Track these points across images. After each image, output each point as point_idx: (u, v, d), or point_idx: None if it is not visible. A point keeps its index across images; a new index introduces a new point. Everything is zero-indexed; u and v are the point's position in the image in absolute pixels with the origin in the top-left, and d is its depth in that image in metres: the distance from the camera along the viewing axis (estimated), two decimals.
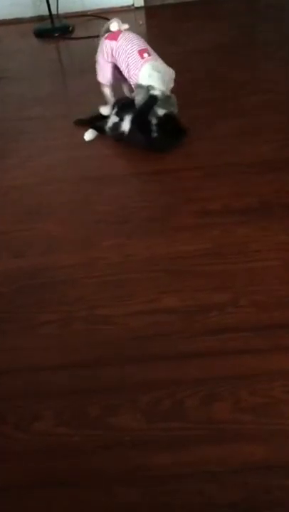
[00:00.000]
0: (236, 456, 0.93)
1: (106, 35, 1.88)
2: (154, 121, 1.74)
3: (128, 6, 3.27)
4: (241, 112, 1.99)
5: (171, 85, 1.82)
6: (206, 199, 1.55)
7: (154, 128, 1.74)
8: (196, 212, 1.51)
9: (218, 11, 3.11)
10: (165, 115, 1.75)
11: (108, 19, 3.04)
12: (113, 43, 1.83)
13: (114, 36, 1.84)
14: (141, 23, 3.09)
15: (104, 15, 3.18)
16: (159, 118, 1.74)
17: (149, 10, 3.25)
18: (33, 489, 0.93)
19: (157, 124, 1.74)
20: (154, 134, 1.75)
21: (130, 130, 1.81)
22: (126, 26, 1.88)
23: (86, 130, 1.94)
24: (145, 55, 1.77)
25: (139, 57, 1.76)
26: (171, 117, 1.76)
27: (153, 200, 1.60)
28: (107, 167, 1.79)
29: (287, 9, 3.00)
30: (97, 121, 1.97)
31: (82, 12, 3.24)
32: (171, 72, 1.82)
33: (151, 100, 1.74)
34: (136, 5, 3.26)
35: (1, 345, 1.19)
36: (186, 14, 3.09)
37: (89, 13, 3.25)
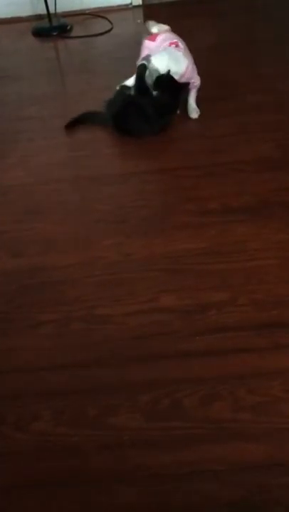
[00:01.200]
0: (236, 455, 0.93)
1: (147, 36, 1.98)
2: (151, 86, 1.80)
3: (126, 5, 3.26)
4: (240, 111, 1.98)
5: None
6: (204, 198, 1.55)
7: (151, 90, 1.81)
8: (194, 211, 1.51)
9: (217, 9, 3.09)
10: (158, 77, 1.79)
11: (107, 18, 3.07)
12: (151, 44, 1.93)
13: (153, 37, 1.94)
14: (139, 21, 3.08)
15: (102, 14, 3.17)
16: (156, 79, 1.79)
17: (147, 8, 3.23)
18: (33, 489, 0.93)
19: (155, 85, 1.80)
20: (154, 93, 1.82)
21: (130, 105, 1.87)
22: (165, 27, 1.98)
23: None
24: (173, 45, 1.86)
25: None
26: (165, 76, 1.80)
27: (152, 199, 1.60)
28: (105, 166, 1.79)
29: (286, 8, 2.99)
30: (88, 117, 1.99)
31: (80, 11, 3.23)
32: (183, 66, 1.84)
33: (141, 67, 1.82)
34: (134, 3, 3.25)
35: (1, 345, 1.19)
36: (184, 13, 3.08)
37: (87, 11, 3.24)
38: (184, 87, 1.85)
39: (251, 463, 0.92)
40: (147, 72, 1.82)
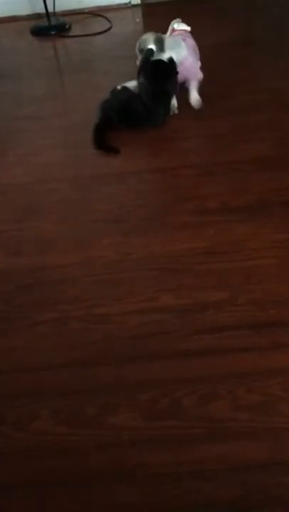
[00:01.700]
0: (235, 454, 0.93)
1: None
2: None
3: (125, 4, 3.25)
4: (239, 110, 1.98)
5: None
6: (203, 197, 1.55)
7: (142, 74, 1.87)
8: (193, 210, 1.51)
9: (217, 8, 3.09)
10: (152, 61, 1.84)
11: (106, 17, 3.06)
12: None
13: (170, 33, 2.02)
14: (138, 20, 3.08)
15: (101, 13, 3.17)
16: (149, 64, 1.86)
17: (146, 7, 3.23)
18: (33, 489, 0.93)
19: (146, 71, 1.86)
20: (140, 79, 1.88)
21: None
22: (186, 27, 2.04)
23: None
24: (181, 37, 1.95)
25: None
26: (158, 62, 1.84)
27: (150, 198, 1.60)
28: (104, 165, 1.78)
29: (286, 6, 2.99)
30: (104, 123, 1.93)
31: (79, 10, 3.23)
32: (183, 53, 1.89)
33: (148, 51, 1.88)
34: (133, 2, 3.25)
35: (0, 345, 1.19)
36: (183, 12, 3.05)
37: (86, 10, 3.23)
38: (172, 76, 1.86)
39: (251, 462, 0.92)
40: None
